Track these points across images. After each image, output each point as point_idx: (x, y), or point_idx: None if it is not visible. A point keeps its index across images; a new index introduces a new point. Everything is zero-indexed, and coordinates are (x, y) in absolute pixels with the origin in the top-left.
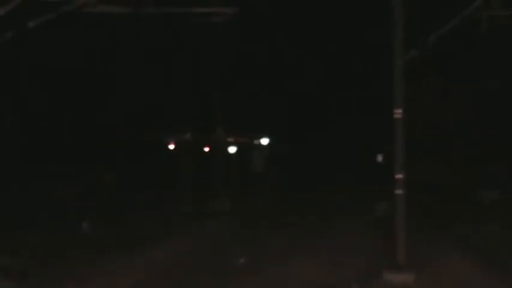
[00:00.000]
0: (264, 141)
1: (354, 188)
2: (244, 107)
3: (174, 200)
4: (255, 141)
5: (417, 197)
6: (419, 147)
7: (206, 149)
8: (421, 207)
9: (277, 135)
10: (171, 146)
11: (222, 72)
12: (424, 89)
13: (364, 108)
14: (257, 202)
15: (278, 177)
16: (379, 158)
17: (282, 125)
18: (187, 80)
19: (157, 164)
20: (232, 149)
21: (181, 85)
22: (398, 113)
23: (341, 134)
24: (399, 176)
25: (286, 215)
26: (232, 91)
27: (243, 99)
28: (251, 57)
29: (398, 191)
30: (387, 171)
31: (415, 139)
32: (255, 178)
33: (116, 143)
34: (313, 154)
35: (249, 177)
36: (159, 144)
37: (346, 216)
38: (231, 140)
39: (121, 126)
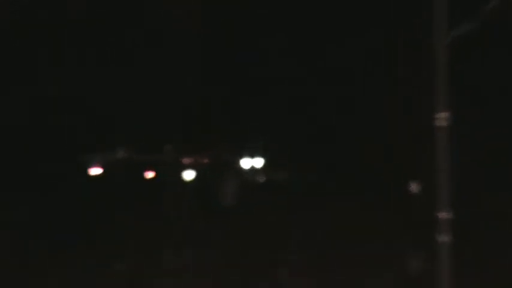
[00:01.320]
0: (256, 162)
1: (376, 231)
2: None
3: (101, 254)
4: (230, 161)
5: (469, 246)
6: (474, 171)
7: (149, 175)
8: (474, 261)
9: (274, 152)
10: (95, 171)
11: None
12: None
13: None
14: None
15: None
16: (413, 186)
17: (280, 137)
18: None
19: (72, 200)
20: (188, 175)
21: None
22: (442, 118)
23: (357, 151)
24: (444, 214)
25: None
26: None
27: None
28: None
29: (443, 238)
30: (425, 206)
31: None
32: (226, 215)
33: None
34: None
35: (216, 214)
36: (76, 168)
37: (362, 275)
38: (187, 160)
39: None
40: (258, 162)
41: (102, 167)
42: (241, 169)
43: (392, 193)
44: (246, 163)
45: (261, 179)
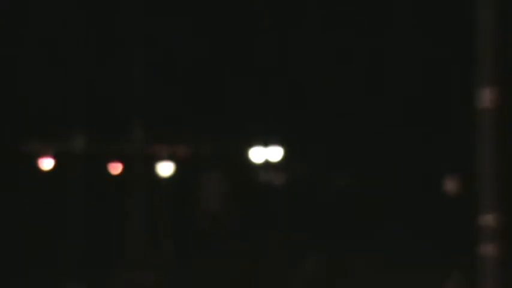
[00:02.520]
0: (275, 153)
1: (399, 244)
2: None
3: (50, 273)
4: (228, 152)
5: None
6: None
7: (115, 169)
8: None
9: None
10: (47, 164)
11: None
12: None
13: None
14: (210, 272)
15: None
16: (449, 184)
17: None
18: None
19: (14, 202)
20: (165, 169)
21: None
22: (488, 98)
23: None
24: (489, 219)
25: None
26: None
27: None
28: None
29: (487, 249)
30: (464, 209)
31: None
32: (210, 225)
33: None
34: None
35: (199, 222)
36: (23, 159)
37: None
38: (162, 152)
39: None
40: (275, 153)
41: (55, 158)
42: (246, 164)
43: (422, 192)
44: (257, 155)
45: (278, 179)
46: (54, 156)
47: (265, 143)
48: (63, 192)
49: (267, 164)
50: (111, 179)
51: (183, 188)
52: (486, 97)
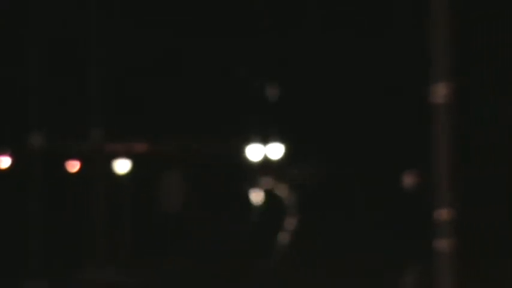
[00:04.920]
0: (274, 150)
1: (360, 239)
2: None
3: (10, 272)
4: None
5: (474, 253)
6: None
7: (73, 167)
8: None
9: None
10: (4, 162)
11: None
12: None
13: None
14: (171, 271)
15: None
16: (408, 180)
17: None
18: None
19: None
20: (122, 166)
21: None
22: (441, 93)
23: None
24: (444, 214)
25: None
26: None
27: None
28: None
29: (442, 245)
30: (423, 205)
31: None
32: (169, 224)
33: None
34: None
35: (159, 221)
36: None
37: None
38: (120, 149)
39: None
40: (275, 150)
41: (12, 157)
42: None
43: (382, 189)
44: (254, 152)
45: (277, 189)
46: (11, 155)
47: (264, 140)
48: (21, 190)
49: (266, 163)
50: (69, 176)
51: (143, 186)
52: (440, 92)
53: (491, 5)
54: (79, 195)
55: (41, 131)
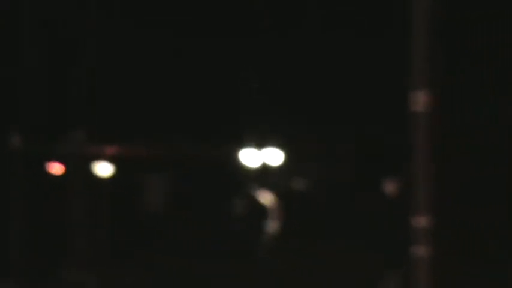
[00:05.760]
0: (271, 156)
1: (340, 245)
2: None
3: None
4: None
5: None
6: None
7: (55, 168)
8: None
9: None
10: None
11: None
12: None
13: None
14: (151, 272)
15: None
16: (389, 186)
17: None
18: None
19: None
20: (104, 169)
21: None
22: (421, 101)
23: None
24: (422, 221)
25: None
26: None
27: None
28: None
29: (420, 251)
30: (403, 211)
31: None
32: (152, 224)
33: None
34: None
35: (141, 223)
36: None
37: None
38: (104, 151)
39: None
40: (274, 156)
41: None
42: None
43: (363, 194)
44: (250, 158)
45: (261, 195)
46: None
47: (259, 145)
48: (1, 191)
49: (264, 170)
50: (50, 178)
51: (126, 188)
52: (419, 100)
53: (474, 9)
54: (60, 197)
55: (21, 132)
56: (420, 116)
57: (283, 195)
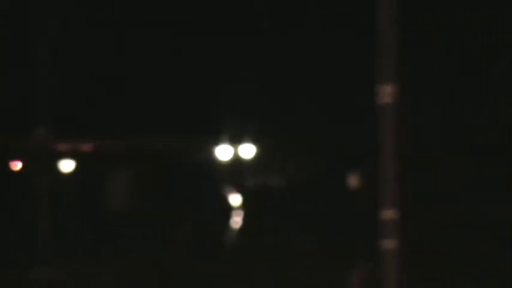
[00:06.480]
0: (245, 150)
1: (302, 241)
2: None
3: None
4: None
5: (420, 253)
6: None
7: (16, 166)
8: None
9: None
10: None
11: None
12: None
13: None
14: (118, 269)
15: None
16: (352, 180)
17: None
18: None
19: None
20: (67, 165)
21: None
22: (387, 93)
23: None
24: (389, 214)
25: None
26: None
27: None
28: None
29: (387, 244)
30: (368, 205)
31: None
32: (116, 222)
33: None
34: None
35: (105, 220)
36: None
37: None
38: (65, 148)
39: None
40: (247, 150)
41: None
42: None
43: (327, 187)
44: (224, 152)
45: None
46: None
47: (233, 140)
48: None
49: (238, 163)
50: (12, 175)
51: (89, 185)
52: (386, 93)
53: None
54: (23, 195)
55: None
56: (386, 108)
57: (255, 191)
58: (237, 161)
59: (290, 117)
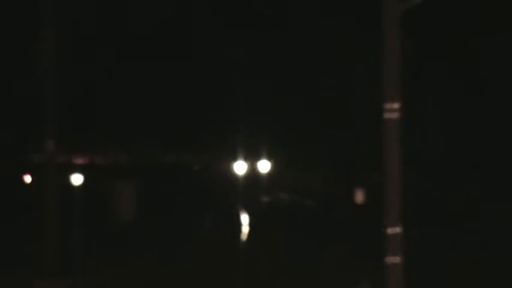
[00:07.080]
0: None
1: (313, 253)
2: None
3: None
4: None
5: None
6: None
7: (26, 179)
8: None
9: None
10: None
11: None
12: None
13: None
14: (123, 279)
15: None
16: (359, 195)
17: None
18: None
19: None
20: (76, 178)
21: None
22: (392, 109)
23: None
24: (394, 230)
25: None
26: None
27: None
28: None
29: (392, 258)
30: (374, 219)
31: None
32: (122, 233)
33: None
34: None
35: (112, 230)
36: None
37: None
38: (76, 161)
39: None
40: (263, 166)
41: None
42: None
43: (334, 203)
44: (240, 167)
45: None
46: None
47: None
48: None
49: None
50: (23, 187)
51: (97, 196)
52: (390, 110)
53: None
54: (32, 207)
55: None
56: (391, 124)
57: (268, 205)
58: (252, 176)
59: (301, 135)
